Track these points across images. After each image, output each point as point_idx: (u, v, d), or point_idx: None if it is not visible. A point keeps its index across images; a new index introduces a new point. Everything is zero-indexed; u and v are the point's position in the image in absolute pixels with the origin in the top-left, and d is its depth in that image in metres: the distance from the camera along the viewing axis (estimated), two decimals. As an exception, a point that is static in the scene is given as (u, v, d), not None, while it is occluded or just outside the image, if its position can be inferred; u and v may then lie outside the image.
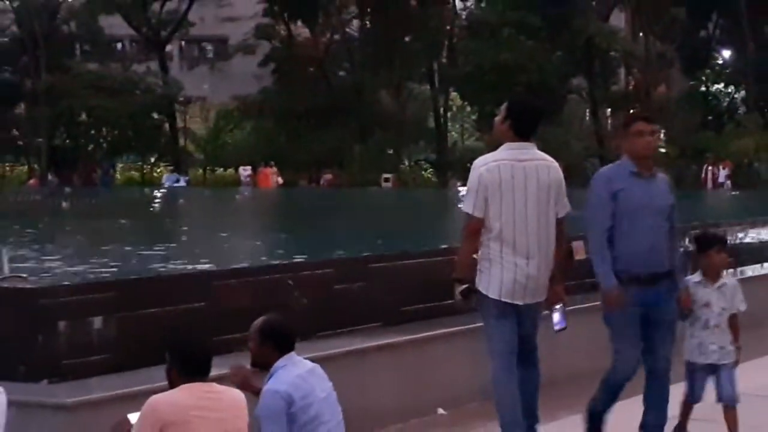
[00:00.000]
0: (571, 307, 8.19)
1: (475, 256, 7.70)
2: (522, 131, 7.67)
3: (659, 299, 7.77)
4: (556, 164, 7.93)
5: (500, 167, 7.55)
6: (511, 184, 7.54)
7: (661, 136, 7.15)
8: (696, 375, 8.12)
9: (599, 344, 8.43)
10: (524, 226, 7.64)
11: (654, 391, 7.90)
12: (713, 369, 8.05)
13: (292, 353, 6.74)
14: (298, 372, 6.70)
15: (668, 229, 7.85)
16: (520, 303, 7.66)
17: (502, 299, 7.60)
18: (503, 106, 7.89)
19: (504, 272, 7.57)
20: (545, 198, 7.71)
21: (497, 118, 7.89)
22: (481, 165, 7.62)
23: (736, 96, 65.01)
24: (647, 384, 7.92)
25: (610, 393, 7.92)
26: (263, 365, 6.74)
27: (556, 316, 7.83)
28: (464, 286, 7.68)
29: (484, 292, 7.64)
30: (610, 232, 7.74)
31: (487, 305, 7.66)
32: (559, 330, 7.86)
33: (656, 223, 7.77)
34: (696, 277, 8.10)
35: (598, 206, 7.79)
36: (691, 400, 8.17)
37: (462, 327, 11.26)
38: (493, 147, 7.94)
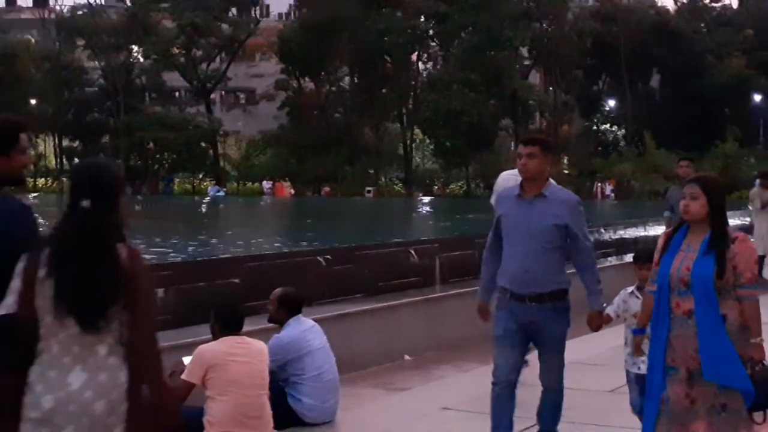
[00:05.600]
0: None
1: None
2: None
3: (541, 318, 5.64)
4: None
5: (509, 177, 7.85)
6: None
7: (545, 158, 6.08)
8: (630, 385, 5.95)
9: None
10: None
11: (546, 406, 5.84)
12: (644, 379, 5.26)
13: (299, 315, 6.76)
14: (302, 328, 6.71)
15: (552, 251, 5.61)
16: None
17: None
18: None
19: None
20: None
21: None
22: (500, 176, 7.97)
23: (618, 133, 65.34)
24: (541, 399, 5.85)
25: (492, 405, 5.78)
26: (278, 323, 6.75)
27: None
28: None
29: None
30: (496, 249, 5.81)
31: None
32: None
33: (532, 246, 5.59)
34: (630, 288, 5.96)
35: (493, 225, 5.89)
36: (634, 409, 5.92)
37: (422, 297, 11.27)
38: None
